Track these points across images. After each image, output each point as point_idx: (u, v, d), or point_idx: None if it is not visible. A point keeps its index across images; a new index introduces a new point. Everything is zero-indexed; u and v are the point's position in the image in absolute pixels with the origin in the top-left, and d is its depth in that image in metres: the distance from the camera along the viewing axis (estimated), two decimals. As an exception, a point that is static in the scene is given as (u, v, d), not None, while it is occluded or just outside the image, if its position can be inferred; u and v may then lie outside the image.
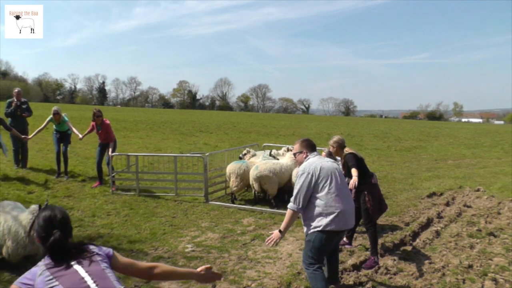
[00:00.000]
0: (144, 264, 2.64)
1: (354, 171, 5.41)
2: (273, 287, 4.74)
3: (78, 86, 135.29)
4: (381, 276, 5.15)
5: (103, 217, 7.21)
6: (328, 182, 4.23)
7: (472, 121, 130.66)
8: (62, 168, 10.23)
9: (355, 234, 6.79)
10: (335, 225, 4.13)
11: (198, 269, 2.75)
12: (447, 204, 9.16)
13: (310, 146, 4.59)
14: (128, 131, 24.62)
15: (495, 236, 6.94)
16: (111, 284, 2.28)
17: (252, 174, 8.17)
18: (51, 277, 2.22)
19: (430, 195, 10.05)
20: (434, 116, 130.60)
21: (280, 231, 4.25)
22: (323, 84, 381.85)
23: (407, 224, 7.49)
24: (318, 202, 4.21)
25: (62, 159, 10.25)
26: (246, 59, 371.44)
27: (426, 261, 5.68)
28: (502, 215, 8.29)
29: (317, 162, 4.36)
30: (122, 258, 2.55)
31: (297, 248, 6.09)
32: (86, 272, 2.26)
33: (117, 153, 9.79)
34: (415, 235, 6.88)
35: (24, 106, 10.77)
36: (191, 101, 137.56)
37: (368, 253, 5.81)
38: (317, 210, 4.19)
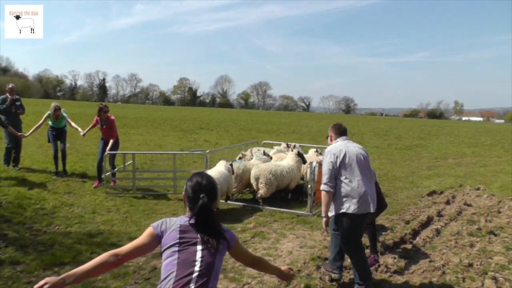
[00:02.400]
0: (252, 255, 2.93)
1: None
2: (273, 284, 4.74)
3: (79, 83, 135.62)
4: (381, 274, 5.15)
5: (103, 213, 7.22)
6: (352, 165, 4.39)
7: (472, 120, 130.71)
8: (60, 167, 9.99)
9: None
10: (357, 208, 4.28)
11: (283, 268, 3.01)
12: (448, 203, 9.16)
13: (338, 130, 4.75)
14: (129, 128, 24.62)
15: (495, 235, 6.94)
16: (209, 278, 2.36)
17: (252, 173, 8.16)
18: (177, 241, 2.41)
19: (431, 194, 10.05)
20: (435, 115, 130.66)
21: (324, 217, 4.51)
22: (324, 82, 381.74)
23: (407, 223, 7.48)
24: (342, 185, 4.36)
25: (59, 156, 9.93)
26: (247, 56, 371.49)
27: (426, 260, 5.68)
28: (502, 214, 8.29)
29: (342, 145, 4.54)
30: (239, 247, 2.76)
31: (297, 245, 6.10)
32: (201, 258, 2.39)
33: (115, 152, 9.51)
34: (415, 233, 6.88)
35: (18, 103, 10.17)
36: (191, 98, 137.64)
37: (368, 251, 5.81)
38: (341, 193, 4.35)
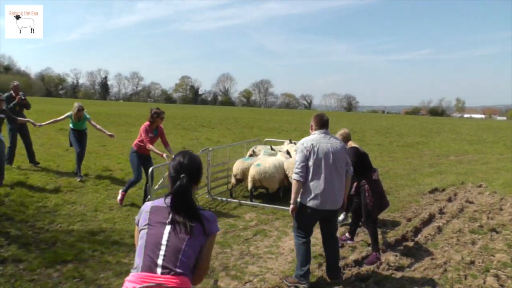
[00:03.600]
0: (202, 269, 2.47)
1: None
2: (275, 282, 4.75)
3: (81, 81, 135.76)
4: (383, 272, 5.15)
5: (105, 211, 7.23)
6: (318, 163, 4.55)
7: (474, 117, 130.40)
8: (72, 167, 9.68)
9: (356, 230, 6.80)
10: (315, 203, 4.54)
11: None
12: (449, 200, 9.15)
13: (318, 122, 4.82)
14: (131, 126, 24.63)
15: (497, 232, 6.93)
16: (175, 263, 2.28)
17: (254, 170, 8.17)
18: (146, 223, 2.39)
19: (432, 191, 10.04)
20: (436, 112, 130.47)
21: (292, 204, 4.68)
22: (326, 80, 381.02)
23: (409, 220, 7.48)
24: (308, 178, 4.57)
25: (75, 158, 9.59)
26: (249, 54, 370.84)
27: (428, 257, 5.68)
28: (504, 211, 8.28)
29: (315, 139, 4.65)
30: (211, 244, 2.48)
31: (299, 243, 6.10)
32: (167, 240, 2.31)
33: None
34: (417, 231, 6.88)
35: (23, 101, 10.14)
36: (193, 96, 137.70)
37: (370, 248, 5.82)
38: (306, 185, 4.59)
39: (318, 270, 5.13)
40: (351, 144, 5.89)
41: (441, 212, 8.07)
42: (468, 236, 6.69)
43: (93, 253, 5.32)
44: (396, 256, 5.66)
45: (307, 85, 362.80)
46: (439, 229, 6.97)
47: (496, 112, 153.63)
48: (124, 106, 65.34)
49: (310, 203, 4.55)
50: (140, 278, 2.24)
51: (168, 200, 2.42)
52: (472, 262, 5.52)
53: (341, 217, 7.29)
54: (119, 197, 7.76)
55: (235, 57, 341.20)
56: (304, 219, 4.73)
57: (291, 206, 4.70)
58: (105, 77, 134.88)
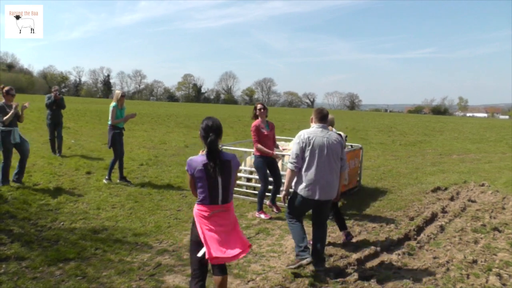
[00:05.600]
0: (233, 188, 3.86)
1: None
2: (277, 281, 4.75)
3: (83, 79, 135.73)
4: (386, 271, 5.14)
5: (108, 209, 7.24)
6: (312, 154, 4.82)
7: (477, 116, 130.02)
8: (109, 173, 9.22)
9: (359, 229, 6.80)
10: (305, 192, 4.86)
11: None
12: (452, 199, 9.14)
13: (317, 116, 5.06)
14: (133, 124, 24.65)
15: (499, 231, 6.92)
16: (227, 193, 3.68)
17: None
18: (203, 171, 3.57)
19: (435, 190, 10.03)
20: (439, 111, 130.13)
21: (284, 191, 5.09)
22: (328, 78, 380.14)
23: (412, 219, 7.47)
24: (302, 169, 4.87)
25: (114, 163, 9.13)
26: (251, 53, 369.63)
27: (430, 256, 5.67)
28: (506, 210, 8.26)
29: (312, 133, 4.92)
30: (236, 175, 3.89)
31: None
32: (221, 177, 3.60)
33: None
34: (419, 229, 6.87)
35: (60, 101, 12.19)
36: (196, 95, 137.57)
37: (373, 247, 5.82)
38: (300, 174, 4.89)
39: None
40: (330, 129, 5.89)
41: (443, 211, 8.06)
42: (470, 235, 6.67)
43: (96, 251, 5.33)
44: (399, 255, 5.65)
45: (310, 83, 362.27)
46: (442, 228, 6.96)
47: (499, 111, 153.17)
48: (126, 104, 65.33)
49: (302, 192, 4.87)
50: (210, 207, 3.61)
51: (205, 154, 3.63)
52: (475, 261, 5.51)
53: None
54: (263, 215, 7.22)
55: (238, 56, 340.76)
56: (296, 206, 5.05)
57: (283, 193, 5.10)
58: (108, 75, 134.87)
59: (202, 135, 3.68)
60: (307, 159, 4.83)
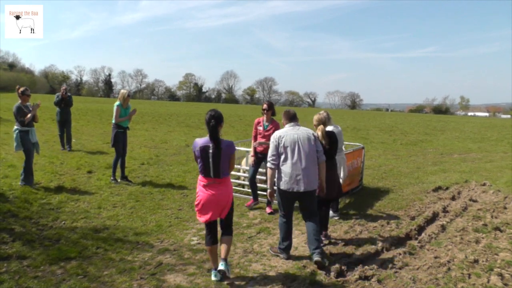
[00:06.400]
0: (231, 168, 4.90)
1: None
2: (278, 280, 4.75)
3: (84, 78, 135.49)
4: (387, 270, 5.14)
5: (109, 209, 7.25)
6: (287, 150, 5.27)
7: (478, 115, 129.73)
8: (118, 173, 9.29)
9: (360, 228, 6.80)
10: (284, 186, 5.27)
11: None
12: (453, 198, 9.13)
13: (287, 117, 5.65)
14: (134, 123, 24.64)
15: (501, 231, 6.91)
16: (218, 170, 4.64)
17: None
18: (199, 151, 4.64)
19: (436, 189, 10.02)
20: (440, 110, 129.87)
21: (269, 189, 5.47)
22: (329, 78, 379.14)
23: (413, 218, 7.47)
24: (280, 165, 5.32)
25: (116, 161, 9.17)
26: (253, 52, 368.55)
27: (432, 256, 5.67)
28: (508, 210, 8.24)
29: (284, 132, 5.41)
30: (232, 159, 4.81)
31: (303, 241, 6.10)
32: (213, 157, 4.60)
33: None
34: (420, 229, 6.86)
35: (68, 99, 13.29)
36: (197, 94, 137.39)
37: (374, 246, 5.83)
38: (280, 170, 5.32)
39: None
40: (321, 128, 6.03)
41: (444, 210, 8.05)
42: (472, 234, 6.67)
43: (97, 250, 5.34)
44: (400, 254, 5.65)
45: (311, 82, 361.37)
46: (443, 228, 6.96)
47: (500, 110, 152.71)
48: (127, 103, 65.25)
49: (282, 186, 5.30)
50: (205, 179, 4.68)
51: (208, 137, 4.65)
52: (476, 261, 5.50)
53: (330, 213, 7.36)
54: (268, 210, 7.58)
55: (239, 55, 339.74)
56: (281, 200, 5.44)
57: (268, 190, 5.47)
58: (109, 75, 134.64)
59: (206, 122, 4.66)
60: (282, 156, 5.30)
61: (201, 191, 4.70)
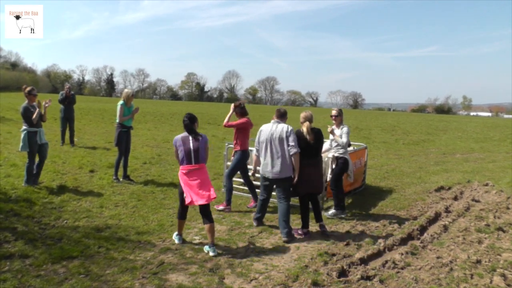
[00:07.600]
0: (207, 157, 5.89)
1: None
2: (280, 280, 4.75)
3: (86, 78, 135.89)
4: (389, 270, 5.13)
5: (111, 208, 7.26)
6: (263, 142, 6.35)
7: (481, 115, 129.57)
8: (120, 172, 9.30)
9: (362, 228, 6.79)
10: (261, 171, 6.40)
11: None
12: (455, 199, 9.11)
13: (276, 114, 6.51)
14: (136, 123, 24.66)
15: (503, 231, 6.89)
16: (197, 156, 5.59)
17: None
18: (181, 142, 5.65)
19: (438, 189, 10.00)
20: (443, 110, 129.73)
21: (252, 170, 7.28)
22: (331, 77, 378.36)
23: (415, 218, 7.46)
24: (260, 154, 6.45)
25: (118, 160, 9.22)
26: (255, 51, 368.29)
27: (434, 256, 5.65)
28: (511, 210, 8.22)
29: (264, 127, 6.45)
30: (207, 148, 5.81)
31: (305, 241, 6.10)
32: (193, 145, 5.60)
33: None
34: (423, 229, 6.85)
35: (71, 97, 13.89)
36: (199, 93, 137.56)
37: (376, 246, 5.82)
38: (261, 159, 6.43)
39: (323, 267, 5.11)
40: (307, 125, 6.48)
41: (447, 210, 8.04)
42: (474, 235, 6.65)
43: (99, 250, 5.35)
44: (402, 254, 5.64)
45: (313, 82, 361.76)
46: (445, 228, 6.94)
47: (503, 110, 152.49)
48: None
49: (261, 171, 6.43)
50: (187, 167, 5.53)
51: (186, 132, 5.72)
52: (479, 261, 5.49)
53: (330, 212, 7.45)
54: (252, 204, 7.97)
55: (241, 54, 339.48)
56: (261, 183, 6.57)
57: (251, 172, 7.33)
58: (111, 74, 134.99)
59: (184, 121, 5.76)
60: (261, 146, 6.40)
61: (184, 180, 5.53)
